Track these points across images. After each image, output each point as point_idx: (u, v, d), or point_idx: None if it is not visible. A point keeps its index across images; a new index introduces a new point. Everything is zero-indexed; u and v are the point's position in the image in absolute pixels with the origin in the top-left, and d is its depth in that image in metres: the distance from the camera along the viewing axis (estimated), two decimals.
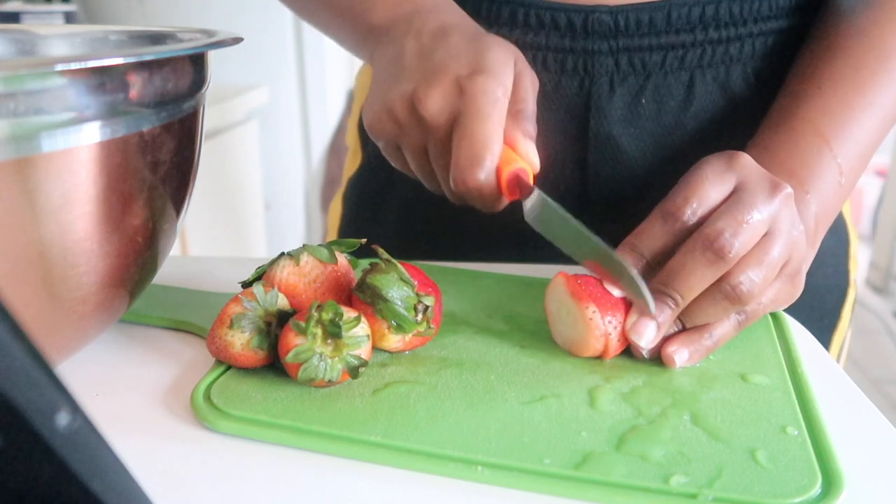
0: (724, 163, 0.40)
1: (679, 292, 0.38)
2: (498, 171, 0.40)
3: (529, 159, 0.41)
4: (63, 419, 0.16)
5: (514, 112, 0.42)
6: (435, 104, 0.41)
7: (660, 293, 0.38)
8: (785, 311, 0.45)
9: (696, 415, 0.34)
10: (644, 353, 0.39)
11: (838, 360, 0.61)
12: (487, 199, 0.41)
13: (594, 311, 0.38)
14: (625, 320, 0.39)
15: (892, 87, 0.47)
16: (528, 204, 0.40)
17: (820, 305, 0.50)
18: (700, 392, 0.36)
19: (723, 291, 0.38)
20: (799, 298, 0.45)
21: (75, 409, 0.16)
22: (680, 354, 0.38)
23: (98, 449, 0.17)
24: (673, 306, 0.38)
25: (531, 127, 0.43)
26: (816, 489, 0.29)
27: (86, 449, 0.17)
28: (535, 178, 0.41)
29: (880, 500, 0.30)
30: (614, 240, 0.46)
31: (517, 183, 0.40)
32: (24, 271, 0.30)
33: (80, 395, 0.18)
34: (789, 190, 0.39)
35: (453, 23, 0.45)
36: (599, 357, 0.39)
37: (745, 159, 0.40)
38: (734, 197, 0.39)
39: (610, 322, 0.38)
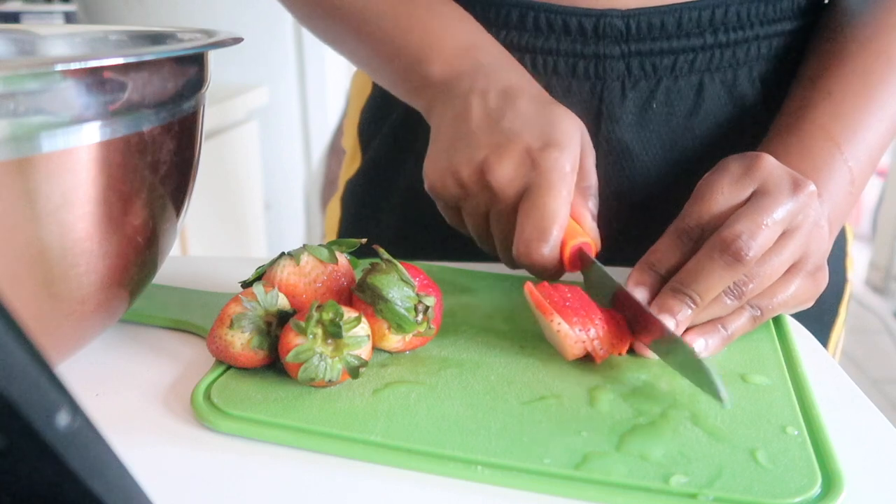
0: (744, 168, 0.40)
1: (697, 293, 0.38)
2: (561, 244, 0.41)
3: (593, 235, 0.43)
4: (63, 419, 0.16)
5: (581, 188, 0.43)
6: (506, 174, 0.41)
7: (678, 293, 0.39)
8: None
9: (696, 415, 0.34)
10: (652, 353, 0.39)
11: (834, 357, 0.62)
12: (549, 271, 0.41)
13: (559, 323, 0.38)
14: (596, 324, 0.38)
15: None
16: (591, 277, 0.41)
17: (819, 302, 0.51)
18: (700, 392, 0.36)
19: (727, 290, 0.39)
20: None
21: (75, 409, 0.16)
22: (697, 344, 0.39)
23: (98, 449, 0.17)
24: (692, 306, 0.39)
25: (594, 204, 0.44)
26: (816, 489, 0.29)
27: (86, 449, 0.17)
28: (598, 254, 0.43)
29: (880, 500, 0.30)
30: (623, 243, 0.46)
31: (580, 257, 0.41)
32: (24, 271, 0.30)
33: (80, 395, 0.18)
34: (813, 188, 0.40)
35: (519, 85, 0.45)
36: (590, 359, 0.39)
37: (767, 162, 0.40)
38: (753, 200, 0.39)
39: (580, 330, 0.38)
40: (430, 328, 0.38)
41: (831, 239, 0.45)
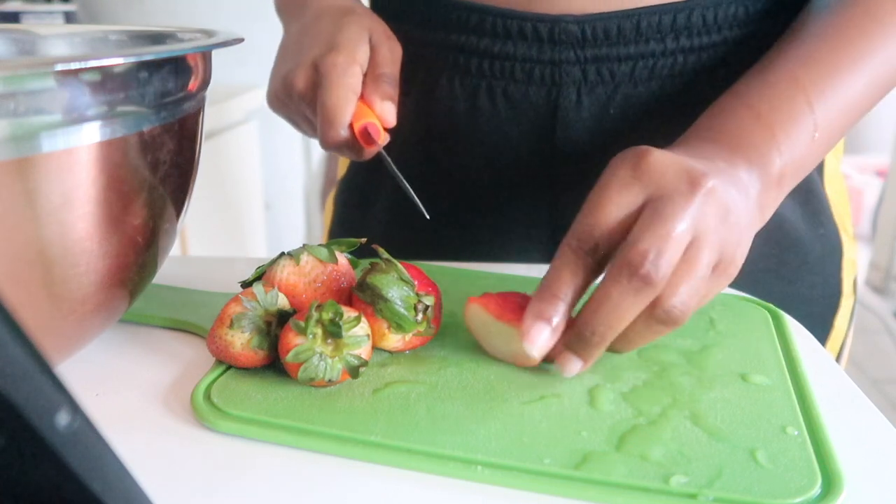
0: (630, 169, 0.36)
1: (607, 324, 0.34)
2: (351, 125, 0.47)
3: (383, 116, 0.48)
4: (63, 419, 0.16)
5: (374, 77, 0.48)
6: (301, 84, 0.48)
7: (586, 331, 0.35)
8: None
9: (696, 415, 0.34)
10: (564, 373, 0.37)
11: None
12: (351, 151, 0.48)
13: None
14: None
15: (883, 51, 0.44)
16: (380, 154, 0.48)
17: (808, 314, 0.49)
18: (700, 392, 0.36)
19: (656, 317, 0.35)
20: (787, 306, 0.44)
21: (75, 409, 0.16)
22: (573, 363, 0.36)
23: (98, 449, 0.17)
24: (600, 343, 0.35)
25: (390, 88, 0.48)
26: (816, 489, 0.29)
27: (86, 449, 0.17)
28: (388, 130, 0.48)
29: (880, 500, 0.30)
30: None
31: (368, 134, 0.47)
32: (24, 271, 0.30)
33: (80, 395, 0.18)
34: (711, 183, 0.35)
35: (327, 7, 0.52)
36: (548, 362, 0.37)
37: (654, 159, 0.36)
38: (650, 208, 0.35)
39: None
40: (429, 328, 0.38)
41: (785, 189, 0.42)
